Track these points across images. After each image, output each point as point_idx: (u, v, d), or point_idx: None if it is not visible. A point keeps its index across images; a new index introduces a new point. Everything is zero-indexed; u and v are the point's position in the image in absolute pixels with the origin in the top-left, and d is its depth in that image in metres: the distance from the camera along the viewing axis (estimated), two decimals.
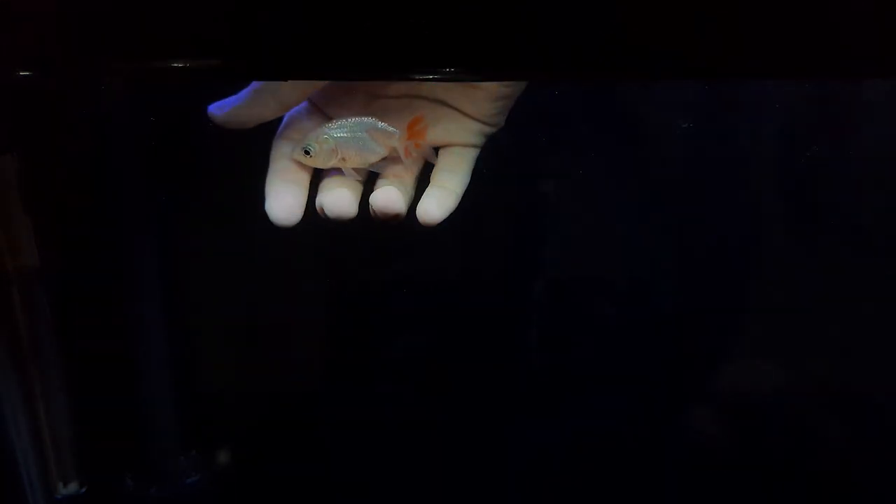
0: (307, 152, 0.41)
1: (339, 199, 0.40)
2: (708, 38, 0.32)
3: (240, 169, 0.50)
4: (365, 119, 0.42)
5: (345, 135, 0.41)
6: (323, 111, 0.44)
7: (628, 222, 0.57)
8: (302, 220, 0.41)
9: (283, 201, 0.40)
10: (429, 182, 0.43)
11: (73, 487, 0.57)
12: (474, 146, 0.44)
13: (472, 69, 0.34)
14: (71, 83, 0.45)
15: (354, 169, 0.42)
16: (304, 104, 0.44)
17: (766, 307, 0.58)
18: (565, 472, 0.63)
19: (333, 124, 0.42)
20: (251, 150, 0.45)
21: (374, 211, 0.41)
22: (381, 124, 0.42)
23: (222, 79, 0.41)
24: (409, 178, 0.43)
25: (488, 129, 0.44)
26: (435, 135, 0.44)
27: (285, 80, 0.40)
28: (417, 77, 0.38)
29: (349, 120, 0.42)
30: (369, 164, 0.42)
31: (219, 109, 0.41)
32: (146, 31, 0.32)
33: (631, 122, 0.54)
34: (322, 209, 0.41)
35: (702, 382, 0.60)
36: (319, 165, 0.42)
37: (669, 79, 0.49)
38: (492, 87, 0.42)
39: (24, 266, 0.52)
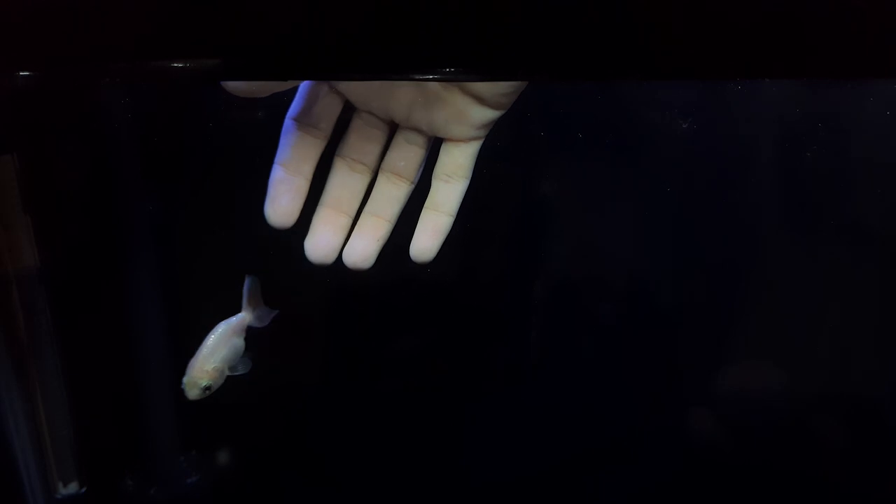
0: (208, 388, 0.45)
1: (316, 247, 0.43)
2: (708, 38, 0.32)
3: (240, 169, 0.50)
4: (219, 328, 0.47)
5: (223, 352, 0.46)
6: (332, 86, 0.44)
7: (628, 223, 0.57)
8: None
9: (280, 206, 0.42)
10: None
11: (73, 487, 0.57)
12: (475, 139, 0.44)
13: (472, 69, 0.34)
14: (71, 83, 0.45)
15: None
16: (311, 82, 0.44)
17: (766, 308, 0.58)
18: (565, 472, 0.63)
19: (204, 351, 0.46)
20: (252, 150, 0.45)
21: (345, 262, 0.43)
22: (233, 321, 0.47)
23: (222, 79, 0.41)
24: (392, 216, 0.45)
25: (492, 115, 0.42)
26: (437, 124, 0.43)
27: (285, 80, 0.40)
28: (417, 77, 0.38)
29: (210, 337, 0.46)
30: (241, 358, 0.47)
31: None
32: (145, 31, 0.32)
33: (631, 123, 0.54)
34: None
35: (702, 382, 0.60)
36: (221, 381, 0.46)
37: (669, 79, 0.49)
38: None
39: (24, 266, 0.52)
